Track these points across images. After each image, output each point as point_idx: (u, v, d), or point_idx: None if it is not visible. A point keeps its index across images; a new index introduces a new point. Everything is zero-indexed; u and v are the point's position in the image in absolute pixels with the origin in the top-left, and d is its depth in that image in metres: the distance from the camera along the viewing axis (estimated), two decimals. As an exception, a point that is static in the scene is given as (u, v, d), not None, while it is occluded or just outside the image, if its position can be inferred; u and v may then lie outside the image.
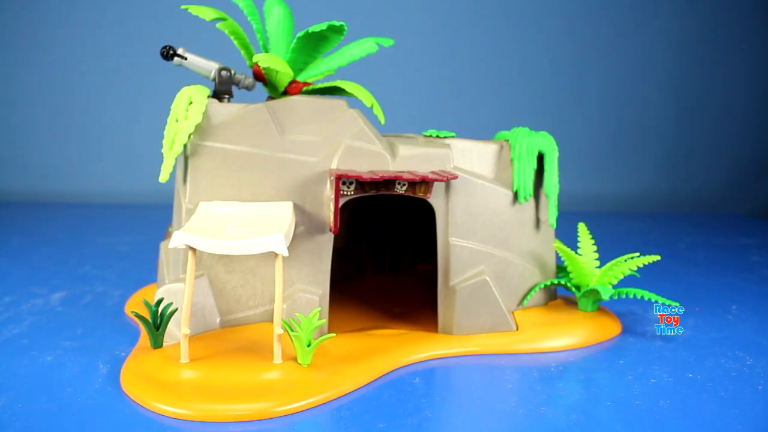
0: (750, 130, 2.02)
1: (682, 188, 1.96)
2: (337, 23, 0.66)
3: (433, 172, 0.64)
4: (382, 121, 0.72)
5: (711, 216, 1.73)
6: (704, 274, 1.05)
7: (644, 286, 0.74)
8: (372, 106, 0.70)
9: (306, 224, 0.64)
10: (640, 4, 2.02)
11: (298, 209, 0.64)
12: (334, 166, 0.64)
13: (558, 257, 0.77)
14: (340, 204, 0.61)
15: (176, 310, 0.59)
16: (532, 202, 0.72)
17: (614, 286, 0.73)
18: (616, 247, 0.86)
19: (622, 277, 0.72)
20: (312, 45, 0.68)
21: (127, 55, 1.84)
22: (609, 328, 0.71)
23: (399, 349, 0.62)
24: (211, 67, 0.65)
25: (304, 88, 0.71)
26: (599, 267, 0.74)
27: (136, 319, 0.67)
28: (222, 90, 0.66)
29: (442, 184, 0.65)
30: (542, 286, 0.72)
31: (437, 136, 0.72)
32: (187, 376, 0.54)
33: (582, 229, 0.78)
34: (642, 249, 0.78)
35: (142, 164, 1.73)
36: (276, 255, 0.54)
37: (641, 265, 0.72)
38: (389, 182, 0.62)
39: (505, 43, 2.01)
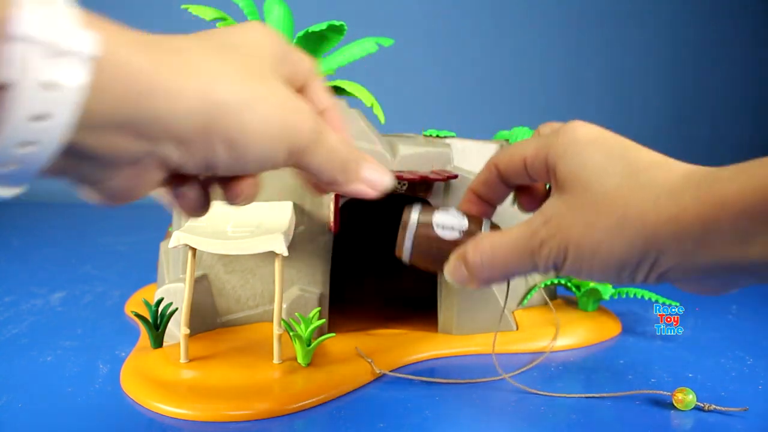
0: (749, 129, 2.02)
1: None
2: (337, 23, 0.66)
3: (433, 172, 0.64)
4: (382, 121, 0.72)
5: (711, 216, 1.73)
6: (704, 274, 1.05)
7: (644, 286, 0.74)
8: (372, 106, 0.70)
9: (306, 224, 0.64)
10: (640, 4, 2.02)
11: (298, 209, 0.64)
12: (334, 166, 0.64)
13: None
14: (341, 203, 0.61)
15: (176, 310, 0.59)
16: (532, 202, 0.72)
17: (614, 286, 0.73)
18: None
19: (622, 276, 0.71)
20: (312, 45, 0.68)
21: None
22: (609, 328, 0.71)
23: (399, 349, 0.62)
24: (211, 67, 0.65)
25: (304, 88, 0.71)
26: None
27: (136, 319, 0.67)
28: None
29: (442, 183, 0.65)
30: (542, 285, 0.72)
31: (437, 136, 0.72)
32: (187, 376, 0.53)
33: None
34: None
35: None
36: (276, 255, 0.54)
37: (641, 265, 0.72)
38: (389, 182, 0.62)
39: (506, 43, 2.00)
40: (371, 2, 1.94)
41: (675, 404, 0.52)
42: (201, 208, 0.29)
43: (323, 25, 0.65)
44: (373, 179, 0.32)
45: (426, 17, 2.00)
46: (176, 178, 0.27)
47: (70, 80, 0.19)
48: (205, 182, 0.29)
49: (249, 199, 0.29)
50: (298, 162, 0.28)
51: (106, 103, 0.20)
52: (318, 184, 0.32)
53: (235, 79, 0.24)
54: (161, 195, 0.30)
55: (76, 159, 0.21)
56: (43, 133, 0.19)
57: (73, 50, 0.19)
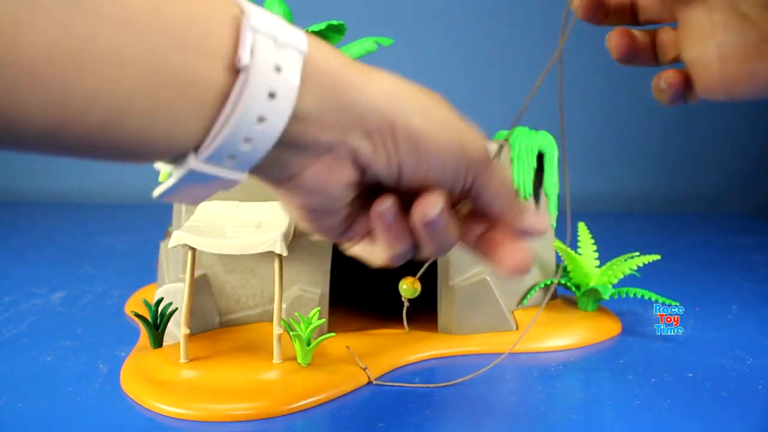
0: (750, 129, 2.02)
1: (682, 188, 1.96)
2: (336, 22, 0.66)
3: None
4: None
5: (711, 216, 1.73)
6: (704, 273, 1.05)
7: (644, 286, 0.74)
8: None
9: (306, 224, 0.64)
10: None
11: (298, 209, 0.64)
12: (334, 165, 0.64)
13: (558, 257, 0.77)
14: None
15: (176, 309, 0.59)
16: (531, 201, 0.72)
17: (614, 286, 0.73)
18: (616, 247, 0.86)
19: (622, 276, 0.72)
20: (312, 45, 0.68)
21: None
22: (609, 328, 0.71)
23: (399, 349, 0.62)
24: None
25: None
26: (599, 266, 0.74)
27: (136, 319, 0.67)
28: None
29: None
30: (542, 285, 0.72)
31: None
32: (186, 376, 0.53)
33: (582, 228, 0.78)
34: (642, 248, 0.78)
35: (142, 164, 1.73)
36: (276, 255, 0.54)
37: (641, 265, 0.72)
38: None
39: (506, 42, 2.01)
40: (371, 2, 1.94)
41: None
42: (401, 235, 0.28)
43: (323, 25, 0.65)
44: (538, 220, 0.31)
45: (426, 17, 2.00)
46: (367, 191, 0.28)
47: (290, 67, 0.22)
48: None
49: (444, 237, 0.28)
50: (475, 179, 0.28)
51: (311, 92, 0.23)
52: (478, 222, 0.30)
53: (412, 90, 0.27)
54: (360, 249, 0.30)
55: (285, 148, 0.24)
56: (273, 111, 0.22)
57: (290, 43, 0.22)
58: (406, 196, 0.28)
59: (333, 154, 0.25)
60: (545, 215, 0.31)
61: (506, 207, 0.29)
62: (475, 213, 0.30)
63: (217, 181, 0.24)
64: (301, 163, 0.25)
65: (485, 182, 0.28)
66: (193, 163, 0.22)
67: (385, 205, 0.27)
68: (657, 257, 0.73)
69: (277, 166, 0.25)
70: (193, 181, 0.23)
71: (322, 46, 0.24)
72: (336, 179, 0.26)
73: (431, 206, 0.26)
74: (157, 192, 0.24)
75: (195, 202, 0.25)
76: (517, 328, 0.68)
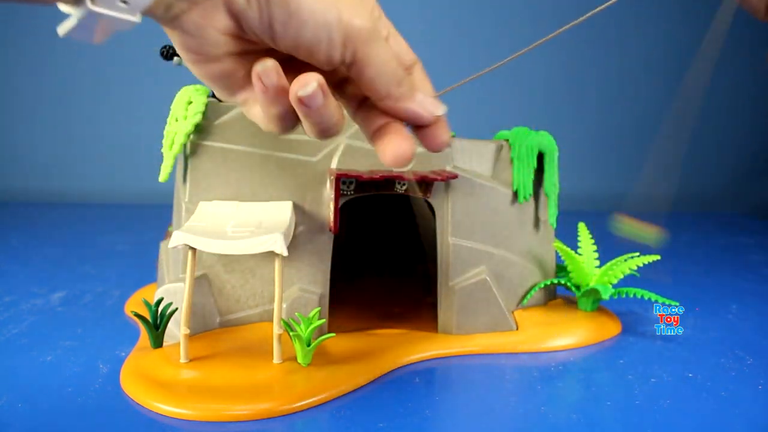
0: (750, 129, 2.02)
1: (682, 188, 1.96)
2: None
3: (433, 172, 0.64)
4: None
5: (710, 216, 1.73)
6: (704, 273, 1.05)
7: (644, 286, 0.74)
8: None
9: (306, 224, 0.64)
10: (640, 3, 2.02)
11: (298, 209, 0.64)
12: (333, 165, 0.64)
13: (558, 257, 0.77)
14: (341, 204, 0.61)
15: (176, 309, 0.59)
16: (531, 201, 0.72)
17: (614, 286, 0.73)
18: (616, 247, 0.86)
19: (621, 276, 0.72)
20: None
21: (126, 55, 1.83)
22: (609, 328, 0.71)
23: (399, 349, 0.62)
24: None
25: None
26: (599, 266, 0.74)
27: (136, 319, 0.67)
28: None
29: (442, 183, 0.65)
30: (542, 285, 0.72)
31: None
32: (187, 376, 0.53)
33: (582, 228, 0.78)
34: (641, 248, 0.78)
35: (142, 164, 1.74)
36: (276, 255, 0.54)
37: (641, 265, 0.72)
38: (389, 182, 0.62)
39: (505, 42, 2.01)
40: (371, 2, 1.93)
41: None
42: (282, 100, 0.28)
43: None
44: (427, 103, 0.30)
45: (426, 17, 2.00)
46: (248, 53, 0.29)
47: None
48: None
49: (314, 100, 0.27)
50: (355, 52, 0.27)
51: None
52: (364, 103, 0.30)
53: None
54: (246, 107, 0.30)
55: None
56: None
57: None
58: (293, 68, 0.28)
59: (210, 2, 0.26)
60: (437, 102, 0.31)
61: (391, 87, 0.28)
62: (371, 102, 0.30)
63: (114, 21, 0.25)
64: (181, 6, 0.26)
65: (367, 57, 0.27)
66: (90, 4, 0.24)
67: (264, 65, 0.27)
68: (657, 257, 0.73)
69: (162, 7, 0.26)
70: (93, 22, 0.25)
71: None
72: (212, 25, 0.27)
73: (305, 83, 0.27)
74: (61, 30, 0.26)
75: (98, 39, 0.26)
76: (517, 328, 0.68)
